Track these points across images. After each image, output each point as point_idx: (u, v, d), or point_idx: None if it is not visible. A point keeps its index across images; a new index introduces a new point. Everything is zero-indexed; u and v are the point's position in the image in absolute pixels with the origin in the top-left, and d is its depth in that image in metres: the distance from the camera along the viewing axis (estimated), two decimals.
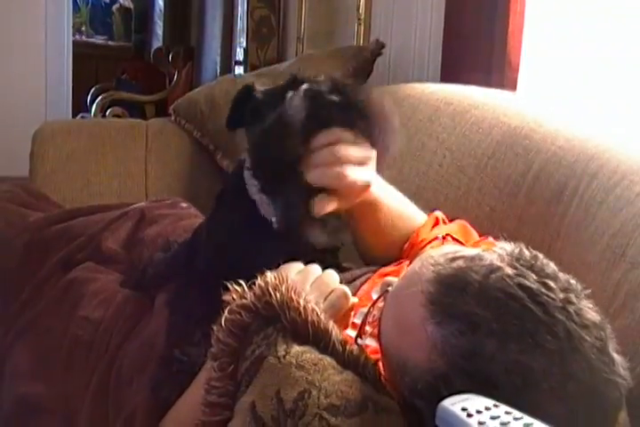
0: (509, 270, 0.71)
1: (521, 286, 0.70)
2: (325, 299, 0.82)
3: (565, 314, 0.69)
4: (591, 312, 0.71)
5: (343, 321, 0.84)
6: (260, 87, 0.99)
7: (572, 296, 0.71)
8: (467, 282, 0.71)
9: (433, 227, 1.13)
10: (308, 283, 0.83)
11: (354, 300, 0.85)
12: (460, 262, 0.74)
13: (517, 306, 0.69)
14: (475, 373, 0.68)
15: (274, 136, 0.90)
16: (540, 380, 0.67)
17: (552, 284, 0.70)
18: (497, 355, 0.67)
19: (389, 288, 0.81)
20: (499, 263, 0.72)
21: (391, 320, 0.77)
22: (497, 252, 0.75)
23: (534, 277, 0.71)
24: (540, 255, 0.75)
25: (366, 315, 0.83)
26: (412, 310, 0.73)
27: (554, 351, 0.67)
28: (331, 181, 0.90)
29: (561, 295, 0.70)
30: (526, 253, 0.74)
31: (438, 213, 1.17)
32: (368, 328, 0.83)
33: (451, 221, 1.18)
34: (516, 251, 0.74)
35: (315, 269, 0.86)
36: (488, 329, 0.68)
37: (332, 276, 0.86)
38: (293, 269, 0.86)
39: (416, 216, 1.15)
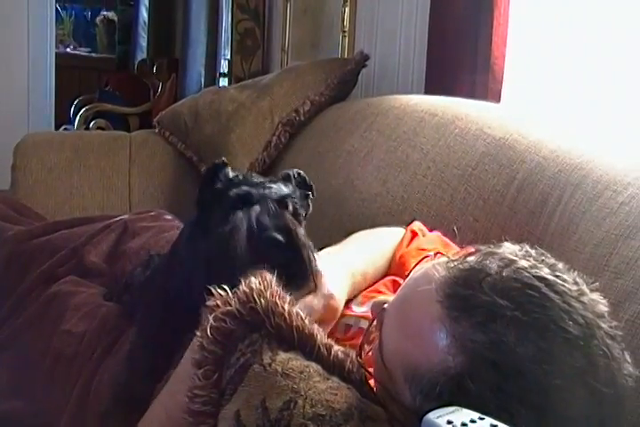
0: (524, 263, 0.72)
1: (537, 276, 0.71)
2: None
3: (581, 304, 0.70)
4: (602, 303, 0.73)
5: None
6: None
7: (584, 288, 0.72)
8: (483, 274, 0.71)
9: (410, 241, 1.11)
10: None
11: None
12: (474, 258, 0.74)
13: (537, 295, 0.69)
14: (501, 362, 0.67)
15: None
16: (565, 366, 0.67)
17: (565, 276, 0.72)
18: (521, 343, 0.67)
19: (385, 306, 0.79)
20: (512, 257, 0.73)
21: (399, 327, 0.76)
22: (507, 249, 0.75)
23: (547, 270, 0.72)
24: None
25: (365, 334, 0.82)
26: (425, 308, 0.72)
27: (577, 337, 0.68)
28: None
29: (574, 287, 0.72)
30: (532, 250, 0.76)
31: (415, 226, 1.16)
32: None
33: (430, 231, 1.17)
34: (524, 249, 0.76)
35: None
36: (509, 318, 0.68)
37: None
38: None
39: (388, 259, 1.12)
